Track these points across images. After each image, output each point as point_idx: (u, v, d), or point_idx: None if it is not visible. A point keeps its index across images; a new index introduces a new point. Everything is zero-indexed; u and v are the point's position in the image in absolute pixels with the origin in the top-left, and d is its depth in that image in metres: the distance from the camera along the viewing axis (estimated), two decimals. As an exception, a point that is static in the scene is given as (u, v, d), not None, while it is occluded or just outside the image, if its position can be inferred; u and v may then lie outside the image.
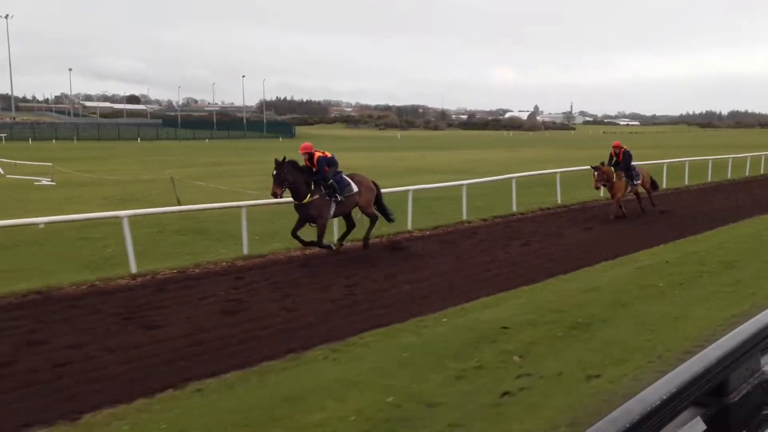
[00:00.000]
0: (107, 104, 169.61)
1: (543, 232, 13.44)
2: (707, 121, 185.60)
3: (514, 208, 15.92)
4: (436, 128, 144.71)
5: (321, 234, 10.79)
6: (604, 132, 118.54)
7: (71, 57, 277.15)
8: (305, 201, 10.62)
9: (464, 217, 14.79)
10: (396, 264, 10.68)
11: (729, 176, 24.41)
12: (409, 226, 13.53)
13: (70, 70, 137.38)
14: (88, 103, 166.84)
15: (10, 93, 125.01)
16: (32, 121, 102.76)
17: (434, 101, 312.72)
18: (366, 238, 11.50)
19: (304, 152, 11.02)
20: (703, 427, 1.15)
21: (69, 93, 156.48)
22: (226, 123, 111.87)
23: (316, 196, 10.70)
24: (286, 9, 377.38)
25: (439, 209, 16.12)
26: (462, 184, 15.25)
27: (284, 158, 10.44)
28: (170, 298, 8.60)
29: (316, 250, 11.28)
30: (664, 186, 21.03)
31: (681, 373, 1.09)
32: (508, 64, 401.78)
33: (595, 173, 14.31)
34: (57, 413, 5.15)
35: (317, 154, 10.94)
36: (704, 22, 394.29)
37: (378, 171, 29.30)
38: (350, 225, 11.69)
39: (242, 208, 11.06)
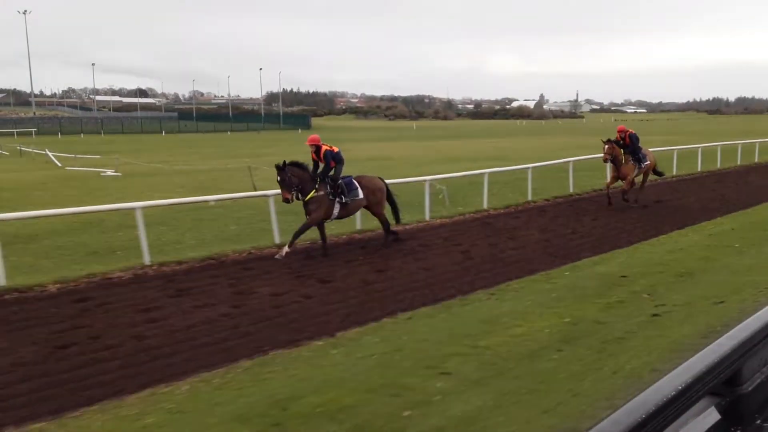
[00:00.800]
0: (116, 98, 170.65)
1: (607, 209, 15.00)
2: (716, 108, 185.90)
3: (572, 189, 17.48)
4: (445, 118, 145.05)
5: (304, 228, 10.56)
6: (615, 120, 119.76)
7: (70, 51, 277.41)
8: (308, 197, 10.54)
9: (529, 197, 16.35)
10: (492, 235, 12.27)
11: (756, 159, 25.93)
12: (485, 206, 15.11)
13: (93, 65, 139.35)
14: (99, 98, 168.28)
15: (21, 88, 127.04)
16: (51, 115, 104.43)
17: (438, 91, 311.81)
18: (389, 231, 11.54)
19: (311, 144, 11.02)
20: (717, 416, 1.16)
21: (92, 87, 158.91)
22: (242, 115, 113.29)
23: (321, 193, 10.62)
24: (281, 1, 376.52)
25: (499, 191, 17.69)
26: (527, 168, 16.82)
27: (284, 162, 10.37)
28: (320, 261, 10.22)
29: (413, 225, 12.93)
30: (699, 169, 22.60)
31: (696, 364, 1.10)
32: (511, 53, 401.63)
33: (606, 146, 14.76)
34: (308, 334, 6.77)
35: (324, 148, 10.89)
36: (707, 8, 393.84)
37: (419, 160, 30.86)
38: (394, 209, 11.80)
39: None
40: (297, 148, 42.47)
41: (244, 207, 15.15)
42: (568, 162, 18.01)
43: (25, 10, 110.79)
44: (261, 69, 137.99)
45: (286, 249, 10.26)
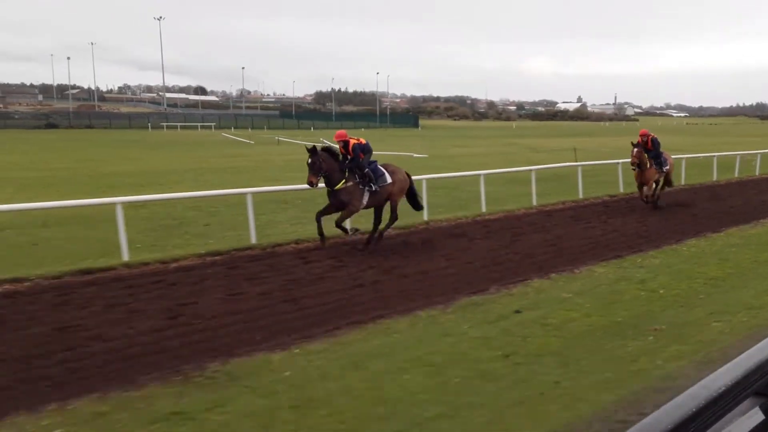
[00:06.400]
0: (182, 95, 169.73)
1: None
2: (766, 113, 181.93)
3: (715, 177, 24.18)
4: (508, 119, 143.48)
5: (344, 218, 10.65)
6: (687, 123, 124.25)
7: (105, 48, 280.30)
8: (337, 187, 10.39)
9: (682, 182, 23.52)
10: (635, 213, 15.66)
11: None
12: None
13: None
14: (169, 95, 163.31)
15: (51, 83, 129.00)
16: (175, 112, 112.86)
17: (472, 91, 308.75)
18: (381, 232, 11.21)
19: (339, 140, 10.76)
20: (762, 417, 1.12)
21: (143, 84, 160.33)
22: (344, 115, 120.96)
23: (350, 183, 10.48)
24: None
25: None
26: (681, 158, 23.97)
27: (314, 146, 10.32)
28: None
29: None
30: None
31: (743, 362, 1.07)
32: (545, 54, 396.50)
33: (635, 150, 14.53)
34: (482, 286, 8.76)
35: (352, 142, 10.67)
36: (744, 12, 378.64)
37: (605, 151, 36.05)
38: (378, 220, 11.31)
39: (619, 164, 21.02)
40: (456, 141, 51.21)
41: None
42: (713, 156, 25.76)
43: (161, 17, 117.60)
44: (380, 74, 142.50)
45: (356, 235, 10.78)
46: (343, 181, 10.38)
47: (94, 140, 50.76)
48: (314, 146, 10.21)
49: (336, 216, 10.74)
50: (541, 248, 11.43)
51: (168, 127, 76.41)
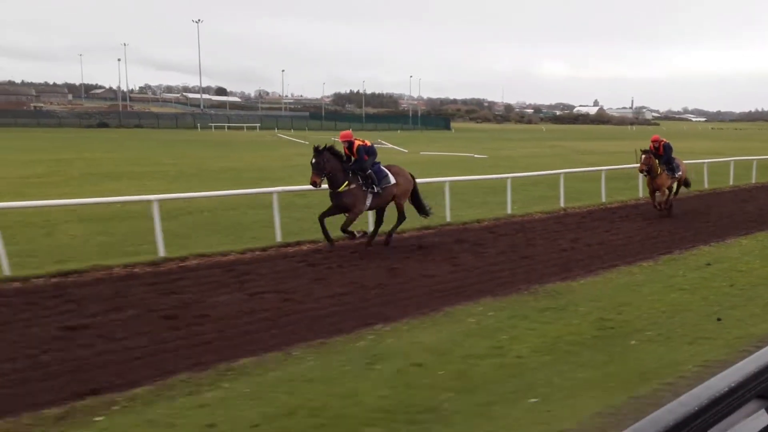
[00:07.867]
0: (206, 96, 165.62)
1: None
2: None
3: None
4: (529, 122, 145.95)
5: (349, 222, 10.66)
6: (712, 128, 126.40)
7: (121, 48, 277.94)
8: (341, 189, 10.41)
9: (753, 181, 26.86)
10: (728, 204, 23.25)
11: None
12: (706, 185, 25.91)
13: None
14: (192, 95, 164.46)
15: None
16: (213, 113, 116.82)
17: (486, 93, 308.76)
18: (390, 233, 11.37)
19: (344, 140, 10.80)
20: (767, 420, 1.13)
21: (164, 84, 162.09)
22: (375, 117, 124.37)
23: (353, 185, 10.49)
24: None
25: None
26: (753, 159, 27.29)
27: (323, 146, 10.26)
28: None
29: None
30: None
31: (747, 365, 1.10)
32: (559, 56, 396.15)
33: (643, 156, 14.71)
34: (665, 250, 14.28)
35: (357, 143, 10.72)
36: (759, 17, 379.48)
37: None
38: (380, 221, 11.47)
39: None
40: (499, 143, 54.06)
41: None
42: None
43: (199, 20, 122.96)
44: (411, 75, 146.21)
45: (363, 238, 10.87)
46: (346, 183, 10.47)
47: (160, 139, 53.78)
48: (325, 146, 10.39)
49: (339, 217, 10.95)
50: (678, 228, 14.21)
51: (215, 128, 79.73)
